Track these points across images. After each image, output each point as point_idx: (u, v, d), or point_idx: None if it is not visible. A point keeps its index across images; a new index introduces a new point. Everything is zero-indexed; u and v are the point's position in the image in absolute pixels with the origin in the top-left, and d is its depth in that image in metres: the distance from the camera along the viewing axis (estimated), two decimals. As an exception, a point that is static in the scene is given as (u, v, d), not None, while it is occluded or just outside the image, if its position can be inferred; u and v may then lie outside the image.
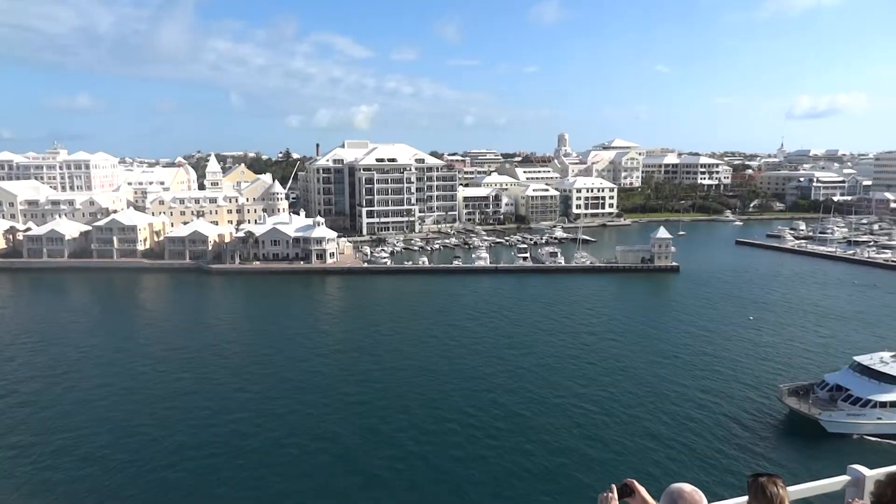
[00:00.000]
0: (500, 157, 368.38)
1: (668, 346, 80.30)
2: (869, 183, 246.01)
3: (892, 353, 58.69)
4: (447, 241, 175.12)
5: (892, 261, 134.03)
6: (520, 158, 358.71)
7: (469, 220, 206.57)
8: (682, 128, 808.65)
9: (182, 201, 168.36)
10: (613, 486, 4.70)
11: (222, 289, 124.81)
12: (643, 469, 47.88)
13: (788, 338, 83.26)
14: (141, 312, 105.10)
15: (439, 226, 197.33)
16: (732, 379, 67.61)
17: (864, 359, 58.69)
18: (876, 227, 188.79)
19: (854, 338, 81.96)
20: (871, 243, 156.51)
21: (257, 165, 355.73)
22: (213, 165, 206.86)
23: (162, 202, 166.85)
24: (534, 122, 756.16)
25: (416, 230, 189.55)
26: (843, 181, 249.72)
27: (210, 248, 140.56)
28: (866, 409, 53.86)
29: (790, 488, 4.52)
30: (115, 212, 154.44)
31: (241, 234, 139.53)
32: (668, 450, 51.70)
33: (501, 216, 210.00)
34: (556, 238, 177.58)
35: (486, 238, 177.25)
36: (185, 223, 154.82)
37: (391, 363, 74.15)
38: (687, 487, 4.42)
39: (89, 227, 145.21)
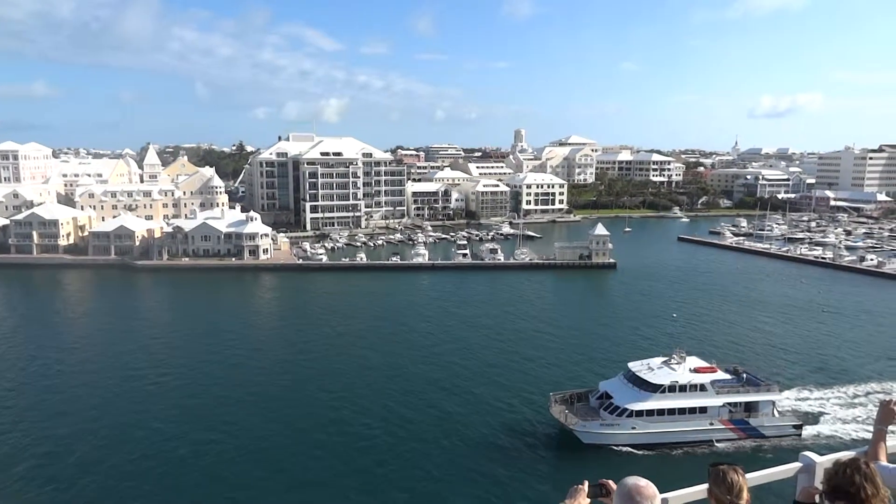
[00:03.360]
0: (461, 153, 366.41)
1: (535, 345, 79.18)
2: (812, 181, 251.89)
3: (664, 359, 55.88)
4: (392, 237, 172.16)
5: (822, 258, 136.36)
6: (479, 154, 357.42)
7: (418, 215, 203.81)
8: (648, 125, 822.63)
9: (114, 194, 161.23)
10: (586, 482, 4.67)
11: (146, 286, 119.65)
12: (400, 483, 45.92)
13: (684, 335, 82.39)
14: (57, 312, 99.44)
15: (387, 221, 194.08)
16: (543, 383, 63.01)
17: (634, 365, 55.70)
18: (813, 224, 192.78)
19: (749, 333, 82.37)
20: (806, 240, 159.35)
21: (210, 157, 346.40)
22: (151, 157, 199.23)
23: (92, 195, 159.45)
24: (504, 117, 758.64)
25: (363, 226, 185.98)
26: (787, 179, 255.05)
27: (137, 243, 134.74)
28: (622, 418, 51.10)
29: (747, 475, 4.62)
30: (41, 205, 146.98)
31: (169, 229, 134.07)
32: (418, 459, 49.18)
33: (451, 212, 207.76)
34: (502, 234, 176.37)
35: (431, 234, 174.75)
36: (116, 217, 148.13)
37: (298, 360, 71.34)
38: (642, 482, 4.34)
39: (7, 221, 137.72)
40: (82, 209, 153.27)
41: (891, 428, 5.51)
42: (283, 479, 46.04)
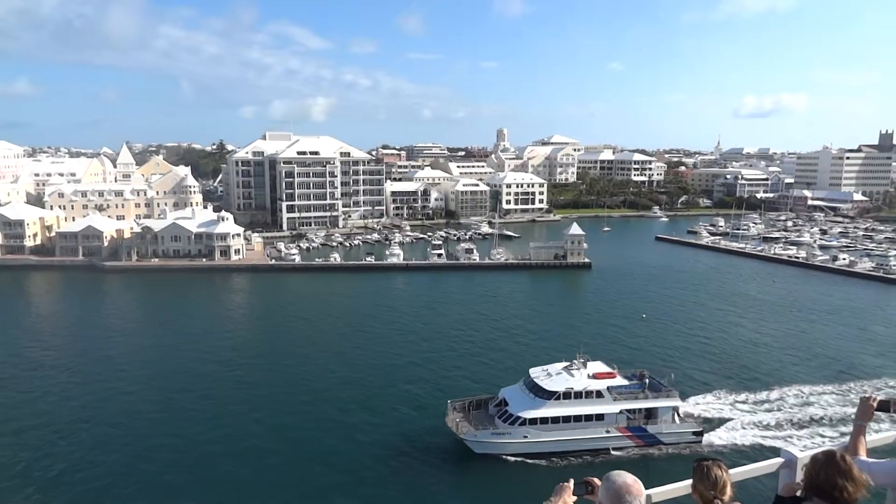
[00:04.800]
0: (445, 152, 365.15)
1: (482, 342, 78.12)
2: (791, 181, 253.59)
3: (565, 365, 53.91)
4: (369, 237, 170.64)
5: (796, 257, 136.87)
6: (462, 153, 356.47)
7: (397, 215, 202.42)
8: (634, 125, 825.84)
9: (84, 194, 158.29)
10: (571, 480, 4.70)
11: (113, 288, 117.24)
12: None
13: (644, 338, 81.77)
14: (18, 314, 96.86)
15: (366, 221, 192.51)
16: (466, 388, 60.70)
17: (535, 371, 53.60)
18: (790, 223, 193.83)
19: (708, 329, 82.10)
20: (782, 240, 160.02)
21: (190, 157, 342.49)
22: (124, 156, 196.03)
23: (62, 195, 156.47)
24: (491, 117, 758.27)
25: (341, 225, 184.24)
26: (766, 179, 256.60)
27: (106, 244, 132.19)
28: (514, 426, 48.97)
29: (730, 470, 4.69)
30: (7, 204, 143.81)
31: (138, 229, 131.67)
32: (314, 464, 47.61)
33: (430, 211, 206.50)
34: (480, 234, 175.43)
35: (409, 234, 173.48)
36: (85, 217, 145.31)
37: (263, 363, 69.79)
38: (629, 478, 4.34)
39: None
40: (52, 209, 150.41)
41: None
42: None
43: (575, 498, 4.64)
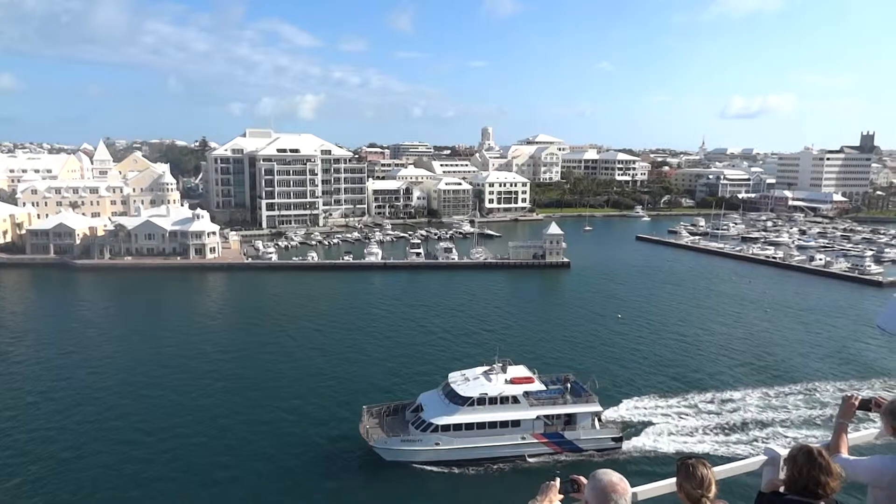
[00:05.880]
0: (431, 150, 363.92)
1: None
2: (773, 181, 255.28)
3: (485, 369, 51.97)
4: (349, 235, 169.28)
5: (773, 257, 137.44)
6: (448, 152, 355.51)
7: (379, 213, 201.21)
8: (621, 125, 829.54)
9: (58, 191, 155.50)
10: (557, 479, 4.74)
11: (82, 286, 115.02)
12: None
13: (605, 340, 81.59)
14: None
15: (347, 220, 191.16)
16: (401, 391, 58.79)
17: (453, 375, 51.96)
18: (770, 223, 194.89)
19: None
20: (761, 240, 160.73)
21: (172, 153, 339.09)
22: (101, 153, 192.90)
23: (35, 191, 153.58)
24: (479, 116, 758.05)
25: (321, 224, 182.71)
26: (748, 179, 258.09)
27: (78, 241, 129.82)
28: (426, 433, 47.40)
29: (713, 468, 4.76)
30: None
31: (111, 226, 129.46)
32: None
33: (412, 210, 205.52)
34: (461, 233, 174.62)
35: (389, 233, 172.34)
36: (57, 214, 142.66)
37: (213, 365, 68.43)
38: (615, 476, 4.38)
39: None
40: (24, 206, 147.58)
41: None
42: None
43: (561, 497, 4.64)
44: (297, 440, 50.92)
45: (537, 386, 50.98)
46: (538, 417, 48.88)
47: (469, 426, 48.00)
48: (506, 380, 50.63)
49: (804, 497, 4.60)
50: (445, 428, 47.55)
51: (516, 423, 48.52)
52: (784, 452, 5.12)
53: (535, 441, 48.68)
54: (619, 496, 4.24)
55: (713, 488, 4.58)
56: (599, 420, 50.71)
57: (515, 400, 49.18)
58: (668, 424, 53.88)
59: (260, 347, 76.00)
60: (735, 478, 5.04)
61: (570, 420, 49.52)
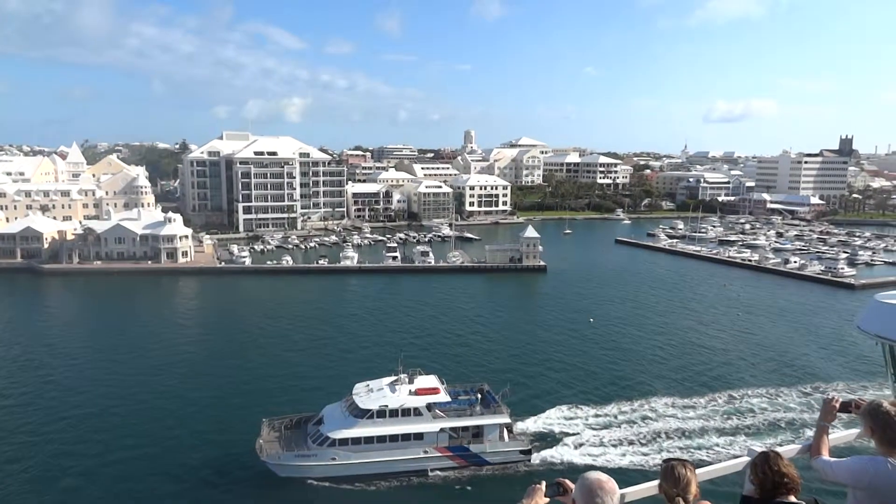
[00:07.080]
0: (415, 153, 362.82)
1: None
2: (752, 184, 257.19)
3: (392, 380, 49.75)
4: (326, 238, 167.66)
5: (750, 260, 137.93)
6: (431, 155, 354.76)
7: (359, 216, 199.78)
8: (606, 128, 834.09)
9: (28, 194, 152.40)
10: (543, 482, 4.77)
11: (51, 291, 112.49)
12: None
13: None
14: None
15: (326, 223, 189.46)
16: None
17: (358, 386, 49.93)
18: (748, 226, 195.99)
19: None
20: (738, 243, 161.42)
21: (151, 156, 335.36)
22: (74, 155, 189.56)
23: (4, 195, 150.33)
24: (465, 119, 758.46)
25: (299, 227, 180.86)
26: (728, 182, 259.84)
27: (46, 245, 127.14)
28: (322, 447, 45.29)
29: (698, 470, 4.83)
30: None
31: (80, 230, 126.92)
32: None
33: (392, 213, 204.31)
34: (440, 236, 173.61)
35: (368, 236, 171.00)
36: (25, 217, 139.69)
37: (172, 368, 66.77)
38: (603, 476, 4.48)
39: None
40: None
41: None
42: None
43: (547, 500, 4.65)
44: (192, 457, 48.07)
45: (443, 397, 49.01)
46: (442, 430, 47.05)
47: (368, 440, 46.12)
48: (410, 391, 48.62)
49: (779, 497, 4.77)
50: (343, 442, 45.60)
51: (419, 436, 46.75)
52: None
53: (439, 455, 46.90)
54: (605, 494, 4.30)
55: (691, 488, 4.59)
56: (510, 432, 48.85)
57: (418, 412, 47.27)
58: (586, 435, 51.93)
59: (196, 353, 73.75)
60: (723, 477, 5.08)
61: (478, 432, 47.66)
